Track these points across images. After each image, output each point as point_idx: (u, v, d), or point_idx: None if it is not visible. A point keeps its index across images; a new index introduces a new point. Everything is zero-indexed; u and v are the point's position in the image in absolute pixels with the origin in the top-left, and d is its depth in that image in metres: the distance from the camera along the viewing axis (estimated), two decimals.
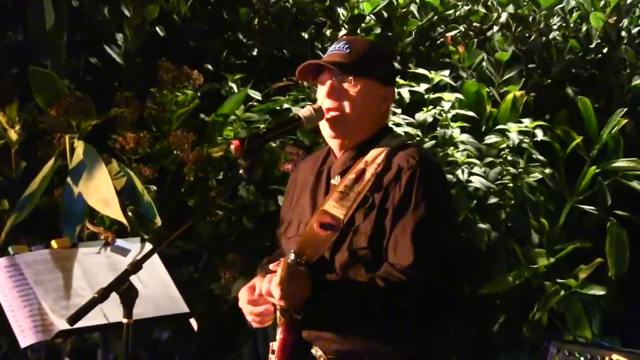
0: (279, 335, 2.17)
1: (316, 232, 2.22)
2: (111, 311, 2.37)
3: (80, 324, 2.09)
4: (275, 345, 2.19)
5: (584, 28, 5.26)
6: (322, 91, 2.31)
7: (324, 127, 2.33)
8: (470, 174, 4.08)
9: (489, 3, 5.33)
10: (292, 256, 2.08)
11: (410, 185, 2.19)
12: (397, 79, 4.43)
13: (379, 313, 2.13)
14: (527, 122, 4.42)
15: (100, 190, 3.38)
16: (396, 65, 4.87)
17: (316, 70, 2.34)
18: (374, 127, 2.34)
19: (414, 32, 5.12)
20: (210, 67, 4.62)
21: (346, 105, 2.27)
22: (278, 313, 2.16)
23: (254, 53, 4.92)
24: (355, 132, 2.30)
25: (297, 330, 2.19)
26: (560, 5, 5.28)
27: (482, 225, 4.04)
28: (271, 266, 2.12)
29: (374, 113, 2.33)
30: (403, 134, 4.05)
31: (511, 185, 4.21)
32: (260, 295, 2.19)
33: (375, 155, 2.27)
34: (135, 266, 2.10)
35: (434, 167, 2.34)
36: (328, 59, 2.30)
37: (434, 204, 2.21)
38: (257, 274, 2.40)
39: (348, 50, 2.29)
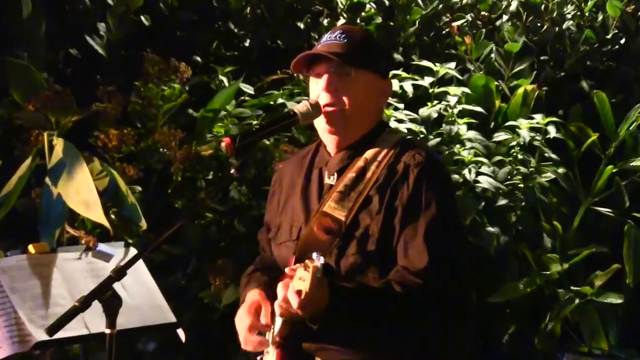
0: (274, 349, 2.15)
1: (317, 236, 2.20)
2: (93, 321, 2.36)
3: (60, 334, 2.08)
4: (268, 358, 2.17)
5: (600, 17, 5.28)
6: (318, 85, 2.29)
7: (320, 123, 2.31)
8: (478, 173, 4.08)
9: None
10: (321, 260, 1.94)
11: (419, 183, 2.19)
12: (400, 72, 4.45)
13: (397, 320, 2.09)
14: (538, 118, 4.43)
15: (81, 191, 3.38)
16: (399, 57, 4.89)
17: (311, 62, 2.31)
18: (372, 123, 2.33)
19: (417, 22, 5.14)
20: (199, 59, 4.63)
21: (345, 100, 2.25)
22: (279, 324, 2.11)
23: (246, 44, 4.93)
24: (354, 128, 2.29)
25: (297, 343, 2.16)
26: None
27: (490, 229, 4.04)
28: (287, 270, 2.05)
29: (373, 108, 2.33)
30: (406, 130, 4.06)
31: (522, 185, 4.21)
32: (264, 325, 2.19)
33: (376, 153, 2.27)
34: (119, 272, 2.09)
35: (440, 164, 2.36)
36: (325, 49, 2.26)
37: (444, 203, 2.20)
38: (246, 285, 2.37)
39: (345, 40, 2.26)
